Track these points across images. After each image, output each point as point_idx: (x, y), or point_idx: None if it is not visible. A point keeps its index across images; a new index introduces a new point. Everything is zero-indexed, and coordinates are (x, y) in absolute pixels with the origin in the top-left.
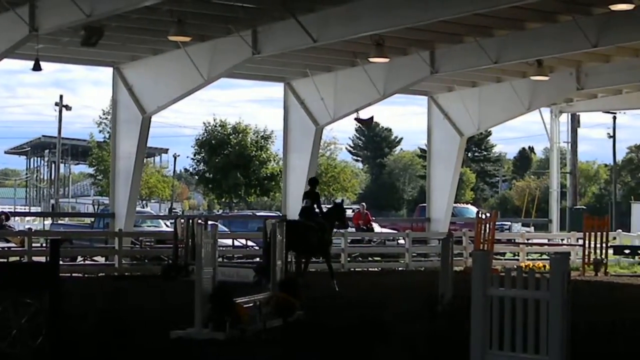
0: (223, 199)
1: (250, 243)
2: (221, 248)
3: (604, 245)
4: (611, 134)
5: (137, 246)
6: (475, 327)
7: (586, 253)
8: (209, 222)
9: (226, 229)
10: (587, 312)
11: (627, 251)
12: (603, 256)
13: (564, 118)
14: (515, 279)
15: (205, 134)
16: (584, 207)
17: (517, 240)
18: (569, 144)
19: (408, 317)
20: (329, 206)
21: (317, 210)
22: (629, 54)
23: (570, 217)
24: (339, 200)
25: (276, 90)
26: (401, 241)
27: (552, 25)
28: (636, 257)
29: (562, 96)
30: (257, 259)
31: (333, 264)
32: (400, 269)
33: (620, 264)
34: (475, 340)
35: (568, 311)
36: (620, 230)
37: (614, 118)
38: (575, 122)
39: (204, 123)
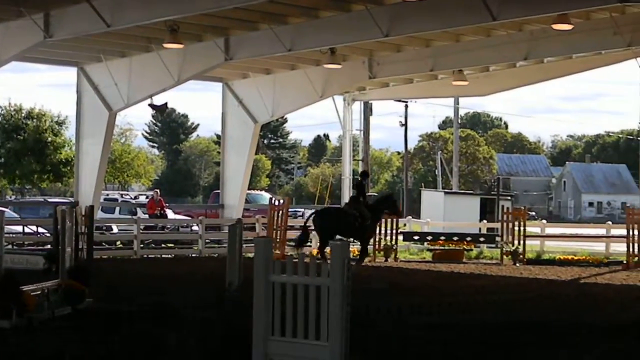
0: (16, 185)
1: (41, 230)
2: (11, 235)
3: (394, 231)
4: (403, 122)
5: None
6: (257, 314)
7: (377, 239)
8: None
9: (17, 216)
10: (371, 297)
11: (416, 237)
12: (393, 242)
13: (357, 106)
14: (297, 265)
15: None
16: (375, 194)
17: (309, 227)
18: (362, 132)
19: (197, 303)
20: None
21: (361, 199)
22: (420, 44)
23: None
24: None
25: (71, 75)
26: (195, 228)
27: (345, 14)
28: (425, 244)
29: (354, 84)
30: (49, 246)
31: (127, 251)
32: (193, 255)
33: (410, 250)
34: (258, 327)
35: (348, 297)
36: (410, 217)
37: (406, 106)
38: (367, 110)
39: None
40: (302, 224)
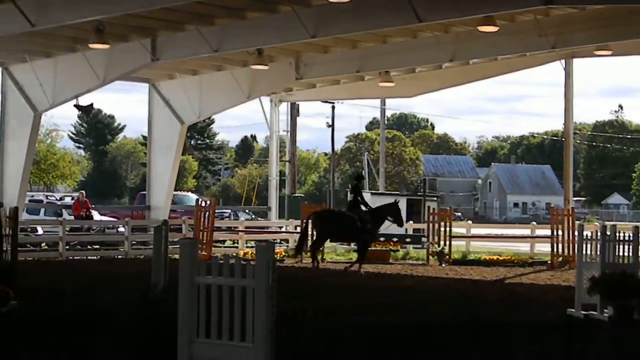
0: None
1: None
2: None
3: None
4: (330, 123)
5: None
6: (182, 316)
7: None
8: None
9: None
10: (298, 298)
11: None
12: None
13: (284, 107)
14: (222, 266)
15: None
16: (302, 195)
17: (237, 228)
18: (289, 133)
19: (122, 305)
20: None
21: (361, 202)
22: (347, 46)
23: (289, 204)
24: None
25: None
26: (121, 229)
27: (272, 15)
28: (352, 244)
29: (281, 85)
30: None
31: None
32: (119, 257)
33: (337, 251)
34: (182, 329)
35: (273, 298)
36: None
37: (333, 108)
38: (294, 111)
39: None
40: (301, 230)
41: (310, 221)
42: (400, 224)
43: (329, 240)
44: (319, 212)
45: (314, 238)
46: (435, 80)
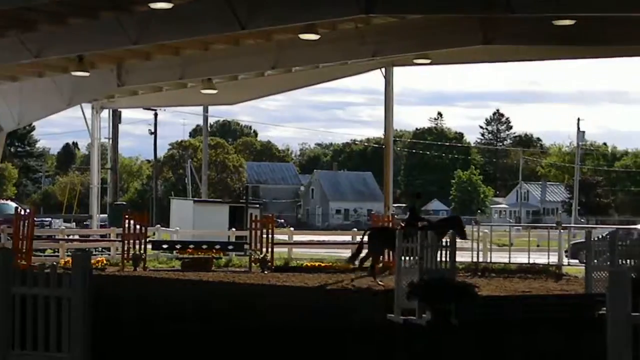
0: None
1: None
2: None
3: (142, 240)
4: (152, 130)
5: None
6: None
7: (126, 248)
8: None
9: None
10: (118, 306)
11: (165, 246)
12: (142, 251)
13: (106, 114)
14: (38, 276)
15: None
16: (124, 203)
17: (57, 237)
18: (110, 140)
19: None
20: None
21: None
22: (169, 52)
23: (111, 212)
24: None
25: None
26: None
27: (94, 21)
28: (174, 252)
29: (103, 92)
30: None
31: None
32: None
33: (159, 259)
34: None
35: (89, 307)
36: (159, 226)
37: (155, 115)
38: (116, 118)
39: None
40: (360, 240)
41: (367, 236)
42: (464, 238)
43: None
44: (376, 228)
45: (365, 253)
46: (258, 88)
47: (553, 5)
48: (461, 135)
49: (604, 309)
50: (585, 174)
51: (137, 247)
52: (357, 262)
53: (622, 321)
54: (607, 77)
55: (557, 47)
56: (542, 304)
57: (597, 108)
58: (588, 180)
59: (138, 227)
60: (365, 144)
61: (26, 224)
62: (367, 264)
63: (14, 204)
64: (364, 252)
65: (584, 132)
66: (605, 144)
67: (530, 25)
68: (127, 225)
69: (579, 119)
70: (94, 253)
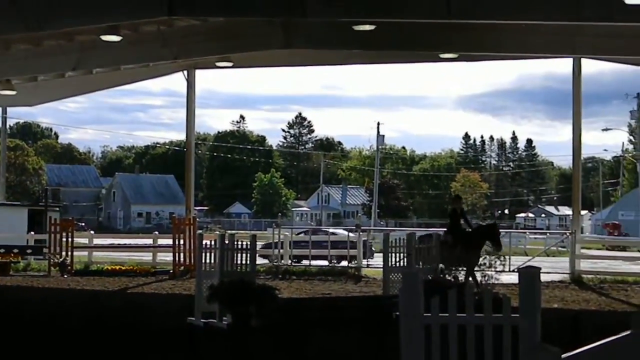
0: None
1: None
2: None
3: None
4: None
5: None
6: None
7: None
8: None
9: None
10: None
11: None
12: None
13: None
14: None
15: None
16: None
17: None
18: None
19: None
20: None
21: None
22: None
23: None
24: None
25: None
26: None
27: None
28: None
29: None
30: None
31: None
32: None
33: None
34: None
35: None
36: None
37: None
38: None
39: None
40: None
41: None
42: (499, 248)
43: None
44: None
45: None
46: (58, 89)
47: (346, 10)
48: (263, 138)
49: None
50: (385, 177)
51: None
52: None
53: (414, 321)
54: (406, 82)
55: (357, 52)
56: (341, 306)
57: (396, 112)
58: (387, 183)
59: None
60: (167, 146)
61: None
62: None
63: None
64: None
65: (383, 135)
66: (404, 147)
67: (330, 30)
68: None
69: (378, 123)
70: None
